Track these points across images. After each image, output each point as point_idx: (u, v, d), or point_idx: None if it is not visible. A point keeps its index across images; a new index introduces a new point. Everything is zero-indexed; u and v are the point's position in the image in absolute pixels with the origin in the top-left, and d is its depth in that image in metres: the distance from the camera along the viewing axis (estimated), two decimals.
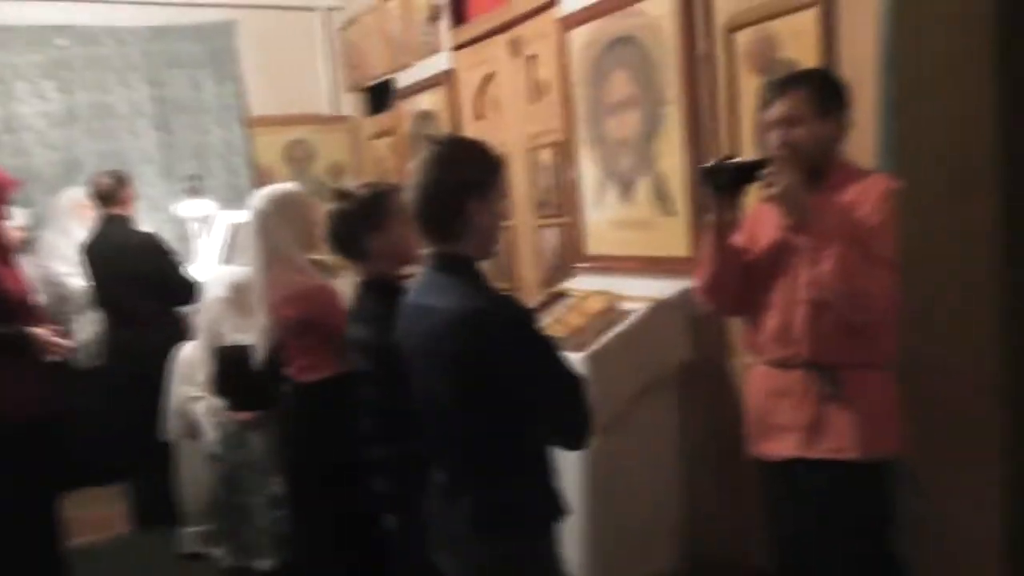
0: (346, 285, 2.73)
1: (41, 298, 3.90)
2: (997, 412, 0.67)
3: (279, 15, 5.26)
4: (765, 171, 1.82)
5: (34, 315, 2.78)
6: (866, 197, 1.84)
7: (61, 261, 4.20)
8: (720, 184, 1.92)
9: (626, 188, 3.09)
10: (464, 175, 1.65)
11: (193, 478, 3.54)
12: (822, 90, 1.91)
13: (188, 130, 5.02)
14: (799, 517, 2.00)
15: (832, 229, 1.78)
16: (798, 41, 2.40)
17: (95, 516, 3.94)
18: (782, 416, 1.97)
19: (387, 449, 2.05)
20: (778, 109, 1.91)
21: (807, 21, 2.36)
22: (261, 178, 5.08)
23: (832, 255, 1.75)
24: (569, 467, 2.48)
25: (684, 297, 2.76)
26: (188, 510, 3.59)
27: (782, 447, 1.98)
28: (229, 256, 3.41)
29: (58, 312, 4.06)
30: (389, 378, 1.84)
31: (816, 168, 1.89)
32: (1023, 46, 0.68)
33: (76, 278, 4.12)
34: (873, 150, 2.10)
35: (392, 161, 4.95)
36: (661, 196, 2.92)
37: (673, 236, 2.87)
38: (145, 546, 3.85)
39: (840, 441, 1.88)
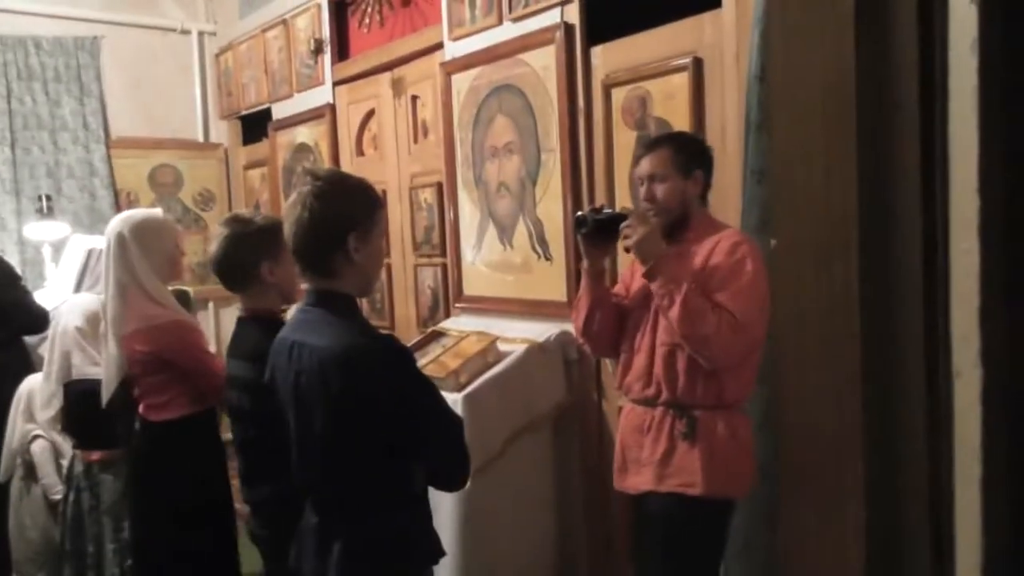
0: (206, 319, 2.61)
1: None
2: (857, 459, 0.74)
3: (149, 35, 5.06)
4: (623, 224, 1.96)
5: None
6: (718, 249, 1.98)
7: None
8: (587, 233, 2.04)
9: (505, 232, 3.16)
10: (345, 211, 1.64)
11: (28, 523, 3.25)
12: (686, 151, 2.06)
13: (42, 148, 4.70)
14: (655, 549, 2.08)
15: (681, 278, 1.91)
16: (670, 102, 2.56)
17: None
18: (641, 451, 2.07)
19: (267, 489, 1.97)
20: (645, 165, 2.06)
21: (678, 85, 2.52)
22: (123, 202, 4.83)
23: (677, 302, 1.89)
24: (444, 507, 2.47)
25: (560, 340, 2.84)
26: (19, 559, 3.28)
27: (640, 481, 2.07)
28: (84, 283, 3.19)
29: None
30: (270, 417, 1.78)
31: (679, 221, 2.04)
32: (885, 121, 0.76)
33: None
34: (736, 209, 2.26)
35: (265, 192, 4.82)
36: (539, 241, 3.00)
37: (550, 280, 2.95)
38: None
39: (688, 477, 1.98)
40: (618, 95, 2.73)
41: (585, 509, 2.90)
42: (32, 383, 3.25)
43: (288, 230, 1.64)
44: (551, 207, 2.93)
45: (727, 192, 2.30)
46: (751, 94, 2.17)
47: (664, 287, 1.92)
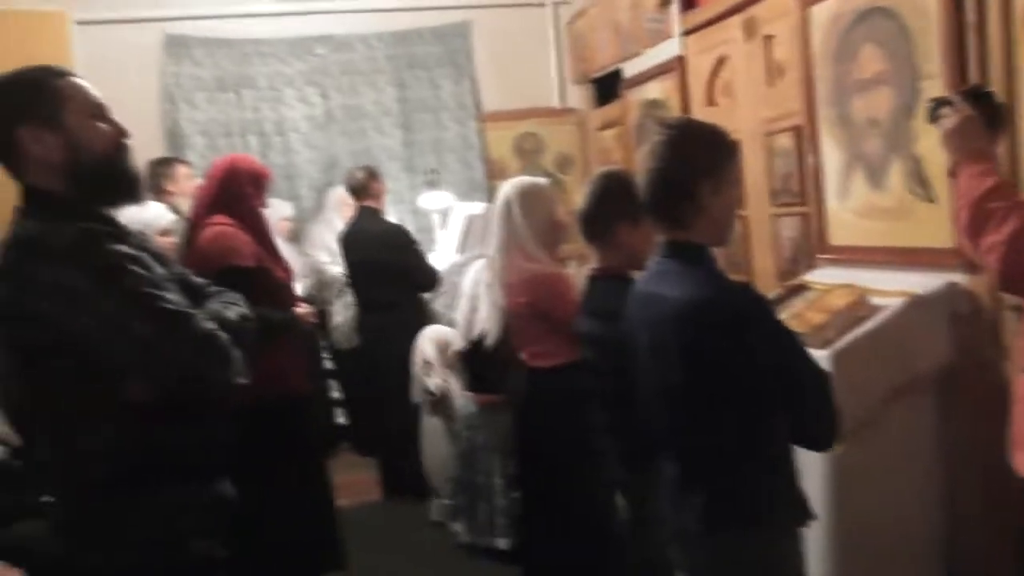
0: (580, 276, 2.77)
1: (304, 284, 4.37)
2: None
3: (510, 13, 5.44)
4: (942, 110, 1.69)
5: (295, 299, 3.00)
6: None
7: (324, 251, 4.67)
8: (932, 119, 1.77)
9: (875, 173, 2.86)
10: (696, 159, 1.61)
11: (439, 452, 3.76)
12: None
13: (427, 127, 5.35)
14: None
15: (986, 174, 1.55)
16: None
17: (350, 481, 4.29)
18: None
19: (624, 443, 2.06)
20: None
21: None
22: (493, 171, 5.31)
23: (971, 203, 1.55)
24: (813, 471, 2.36)
25: (947, 292, 2.52)
26: (435, 483, 3.82)
27: None
28: (465, 246, 3.61)
29: (318, 297, 4.53)
30: (617, 371, 1.84)
31: None
32: None
33: (335, 266, 4.55)
34: None
35: (618, 152, 4.94)
36: (918, 181, 2.67)
37: (931, 225, 2.61)
38: (396, 512, 4.12)
39: None
40: (1021, 2, 2.30)
41: (977, 483, 2.56)
42: (431, 332, 3.77)
43: (641, 181, 1.66)
44: (932, 142, 2.57)
45: None
46: None
47: (966, 184, 1.59)
